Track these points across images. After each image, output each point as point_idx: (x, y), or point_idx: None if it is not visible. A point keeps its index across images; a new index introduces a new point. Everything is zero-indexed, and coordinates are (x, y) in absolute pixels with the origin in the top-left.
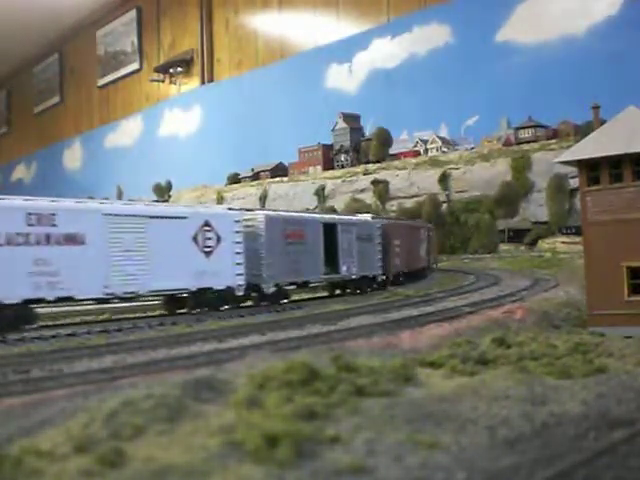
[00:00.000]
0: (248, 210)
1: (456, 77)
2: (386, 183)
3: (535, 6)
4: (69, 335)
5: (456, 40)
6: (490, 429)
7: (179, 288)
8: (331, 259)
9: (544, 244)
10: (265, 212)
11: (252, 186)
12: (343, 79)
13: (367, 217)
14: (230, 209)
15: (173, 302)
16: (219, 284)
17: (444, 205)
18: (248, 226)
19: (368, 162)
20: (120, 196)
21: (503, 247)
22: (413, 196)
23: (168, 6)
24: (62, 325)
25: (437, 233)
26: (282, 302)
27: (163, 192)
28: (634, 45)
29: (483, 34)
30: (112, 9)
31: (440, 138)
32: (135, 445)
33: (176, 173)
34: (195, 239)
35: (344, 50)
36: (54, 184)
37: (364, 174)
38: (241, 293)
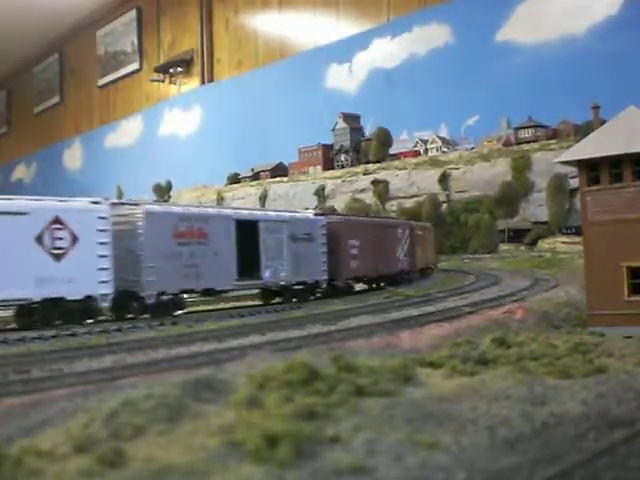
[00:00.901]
0: (125, 204)
1: (456, 77)
2: (386, 183)
3: (535, 6)
4: (69, 335)
5: (456, 40)
6: (490, 429)
7: (14, 299)
8: (252, 262)
9: (544, 244)
10: (147, 206)
11: (252, 186)
12: (343, 79)
13: (307, 213)
14: (95, 203)
15: (25, 314)
16: (74, 293)
17: (444, 205)
18: (123, 223)
19: (368, 162)
20: (120, 196)
21: (503, 247)
22: (413, 196)
23: (168, 6)
24: (62, 325)
25: (436, 233)
26: (175, 314)
27: (163, 192)
28: (634, 45)
29: (483, 34)
30: (112, 9)
31: (440, 138)
32: (135, 445)
33: (176, 173)
34: (40, 239)
35: (344, 50)
36: (54, 184)
37: (364, 174)
38: (106, 304)
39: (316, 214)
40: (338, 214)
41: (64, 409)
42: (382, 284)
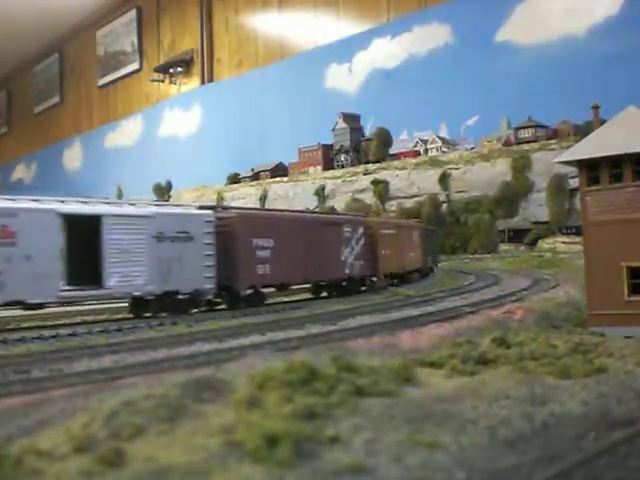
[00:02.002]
0: None
1: (456, 77)
2: (386, 183)
3: (535, 6)
4: (69, 335)
5: (456, 40)
6: (490, 429)
7: None
8: (94, 268)
9: (544, 244)
10: None
11: (252, 186)
12: (343, 79)
13: (187, 207)
14: None
15: None
16: None
17: (444, 205)
18: None
19: (368, 162)
20: (120, 196)
21: (503, 247)
22: (413, 196)
23: (168, 6)
24: (62, 325)
25: (432, 233)
26: None
27: (163, 192)
28: (634, 45)
29: (483, 34)
30: (112, 9)
31: (440, 138)
32: (135, 445)
33: (176, 173)
34: None
35: (344, 50)
36: (54, 184)
37: (364, 174)
38: None
39: (201, 207)
40: (239, 208)
41: (64, 409)
42: (334, 293)
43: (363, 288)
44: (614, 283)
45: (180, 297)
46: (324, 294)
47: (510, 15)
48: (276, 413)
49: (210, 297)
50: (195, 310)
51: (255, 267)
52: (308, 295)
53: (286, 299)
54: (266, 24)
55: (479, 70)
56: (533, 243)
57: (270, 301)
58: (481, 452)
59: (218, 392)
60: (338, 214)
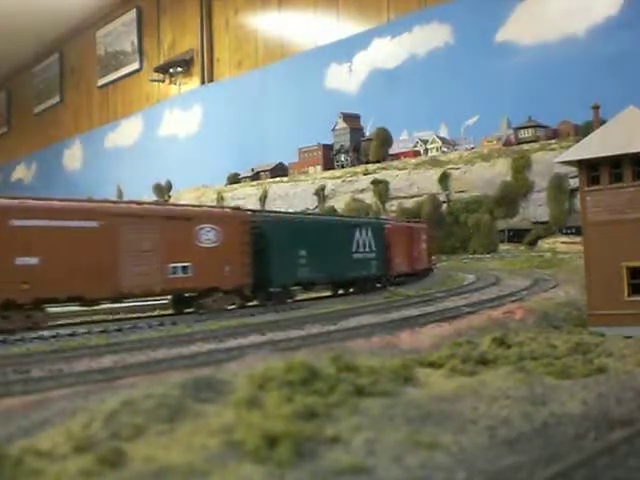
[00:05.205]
0: None
1: (456, 77)
2: (386, 183)
3: (535, 6)
4: (69, 335)
5: (456, 40)
6: (490, 429)
7: None
8: None
9: (544, 244)
10: None
11: (252, 186)
12: (343, 79)
13: None
14: None
15: None
16: None
17: (444, 205)
18: None
19: (368, 162)
20: (120, 196)
21: (503, 247)
22: (413, 196)
23: (168, 6)
24: (62, 325)
25: (432, 233)
26: None
27: (163, 192)
28: (634, 45)
29: (483, 34)
30: (112, 9)
31: (440, 138)
32: (135, 445)
33: (176, 173)
34: None
35: (344, 50)
36: (54, 184)
37: (364, 174)
38: None
39: None
40: None
41: (64, 409)
42: None
43: None
44: (614, 283)
45: None
46: None
47: (510, 15)
48: (276, 413)
49: None
50: None
51: None
52: None
53: None
54: (266, 24)
55: (479, 70)
56: (533, 243)
57: None
58: (481, 452)
59: (218, 392)
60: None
